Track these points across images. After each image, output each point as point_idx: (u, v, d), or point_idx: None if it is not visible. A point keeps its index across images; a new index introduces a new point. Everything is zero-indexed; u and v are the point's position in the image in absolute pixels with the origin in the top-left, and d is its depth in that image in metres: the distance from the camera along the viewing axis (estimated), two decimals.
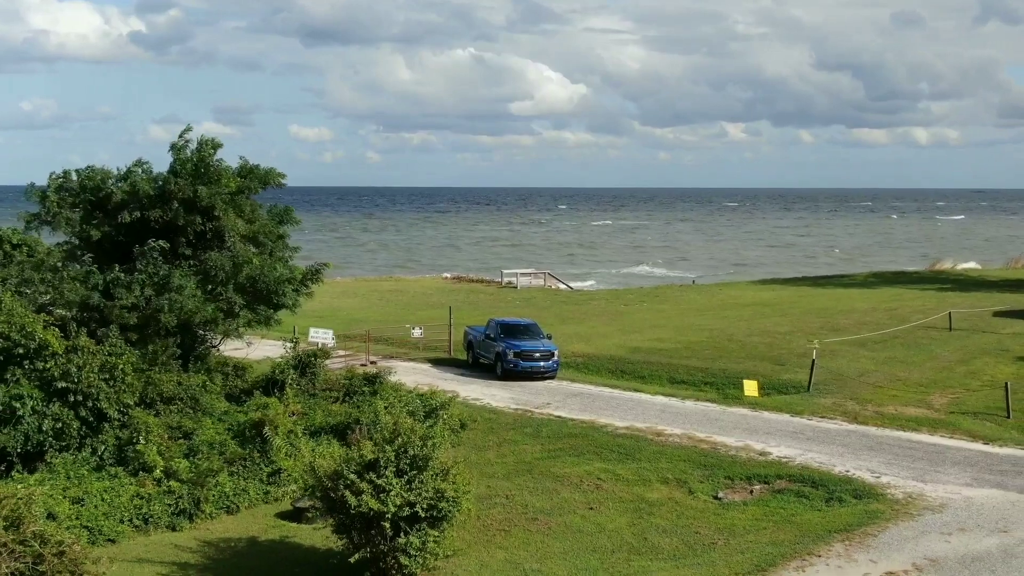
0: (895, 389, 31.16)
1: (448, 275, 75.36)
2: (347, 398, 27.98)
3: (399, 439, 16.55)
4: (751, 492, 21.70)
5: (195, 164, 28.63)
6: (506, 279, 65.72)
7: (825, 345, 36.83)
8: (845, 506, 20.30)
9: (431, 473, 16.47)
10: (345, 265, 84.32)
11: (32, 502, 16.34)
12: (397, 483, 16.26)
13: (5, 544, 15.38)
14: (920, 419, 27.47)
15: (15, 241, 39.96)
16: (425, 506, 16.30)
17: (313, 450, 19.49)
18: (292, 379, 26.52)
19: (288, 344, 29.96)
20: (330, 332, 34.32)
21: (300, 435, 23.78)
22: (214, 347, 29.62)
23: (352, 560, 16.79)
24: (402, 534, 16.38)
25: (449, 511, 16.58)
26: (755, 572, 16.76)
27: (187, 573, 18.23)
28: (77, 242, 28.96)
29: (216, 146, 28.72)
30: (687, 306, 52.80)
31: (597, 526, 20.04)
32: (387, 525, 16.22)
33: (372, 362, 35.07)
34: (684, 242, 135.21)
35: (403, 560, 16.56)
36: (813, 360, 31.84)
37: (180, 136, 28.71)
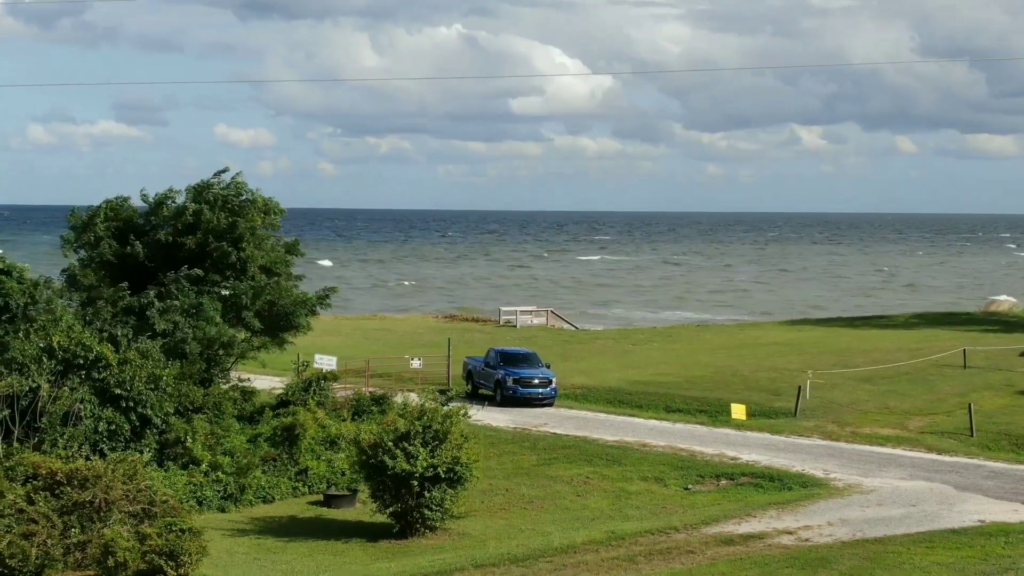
0: (879, 415, 42.61)
1: (438, 314, 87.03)
2: (356, 417, 39.41)
3: (425, 416, 28.00)
4: (717, 485, 33.08)
5: (225, 198, 40.53)
6: (504, 317, 77.31)
7: (828, 378, 48.34)
8: (791, 491, 31.68)
9: (449, 444, 27.91)
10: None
11: (142, 463, 27.77)
12: (423, 451, 27.67)
13: (128, 491, 26.72)
14: (890, 437, 38.91)
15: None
16: (444, 469, 27.69)
17: (358, 427, 30.88)
18: (314, 390, 37.96)
19: (293, 374, 41.53)
20: (334, 359, 45.82)
21: (326, 438, 35.23)
22: (227, 370, 41.15)
23: (386, 513, 28.17)
24: (426, 492, 27.73)
25: (463, 474, 27.99)
26: (700, 524, 28.10)
27: (247, 535, 29.49)
28: (102, 266, 40.72)
29: (244, 188, 40.89)
30: (700, 346, 64.32)
31: (582, 506, 31.45)
32: (415, 483, 27.59)
33: (371, 392, 46.41)
34: (781, 282, 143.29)
35: (427, 513, 27.95)
36: (800, 387, 43.28)
37: (215, 175, 40.91)
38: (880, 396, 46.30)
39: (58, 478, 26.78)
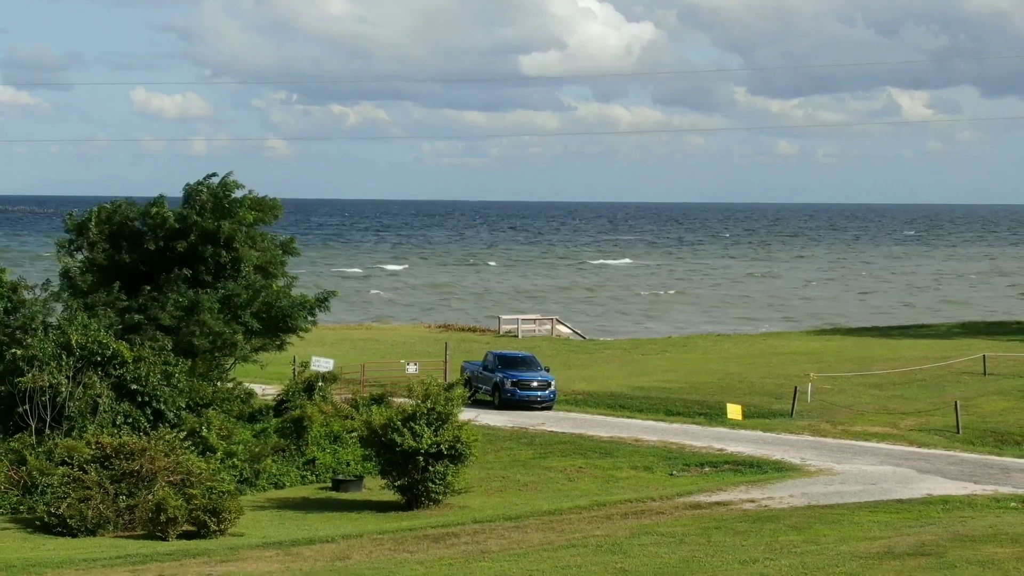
0: (875, 415, 54.73)
1: (431, 323, 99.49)
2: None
3: (430, 399, 40.11)
4: (701, 471, 45.16)
5: (215, 199, 52.69)
6: (505, 326, 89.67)
7: (836, 383, 60.46)
8: (765, 474, 43.70)
9: (451, 425, 40.01)
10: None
11: (179, 440, 39.95)
12: (428, 430, 39.74)
13: (170, 463, 38.85)
14: (877, 434, 51.00)
15: None
16: (447, 446, 39.79)
17: (370, 410, 43.06)
18: (320, 388, 50.14)
19: (296, 371, 53.74)
20: (331, 361, 58.00)
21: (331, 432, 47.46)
22: (227, 371, 53.36)
23: (395, 487, 40.33)
24: (431, 467, 39.81)
25: (464, 451, 40.09)
26: (675, 496, 40.11)
27: (266, 510, 41.54)
28: (99, 271, 52.92)
29: (237, 186, 52.94)
30: (716, 355, 76.58)
31: (573, 488, 43.58)
32: (421, 459, 39.68)
33: (369, 395, 58.47)
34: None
35: (431, 486, 40.08)
36: (796, 387, 55.37)
37: (204, 179, 53.00)
38: (884, 400, 58.39)
39: (108, 451, 38.91)
